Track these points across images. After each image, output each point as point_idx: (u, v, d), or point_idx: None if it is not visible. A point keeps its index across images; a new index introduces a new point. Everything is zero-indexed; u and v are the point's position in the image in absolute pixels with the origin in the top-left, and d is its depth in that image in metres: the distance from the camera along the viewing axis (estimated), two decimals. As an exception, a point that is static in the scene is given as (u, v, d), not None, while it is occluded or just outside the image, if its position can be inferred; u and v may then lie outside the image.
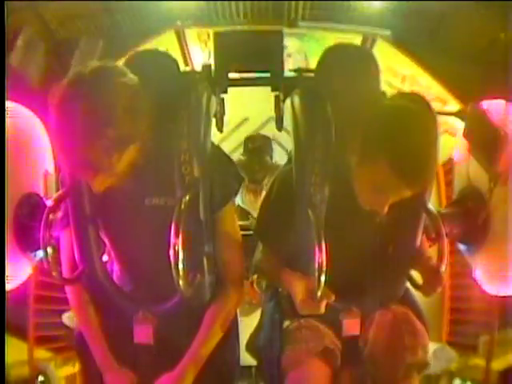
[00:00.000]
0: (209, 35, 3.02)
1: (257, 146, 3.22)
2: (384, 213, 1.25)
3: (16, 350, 2.16)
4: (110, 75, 1.13)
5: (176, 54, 2.98)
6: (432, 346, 2.40)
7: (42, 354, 2.34)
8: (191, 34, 3.08)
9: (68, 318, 2.33)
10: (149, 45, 2.83)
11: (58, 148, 1.14)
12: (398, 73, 2.91)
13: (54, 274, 1.29)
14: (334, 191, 1.31)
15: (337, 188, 1.31)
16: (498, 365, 2.30)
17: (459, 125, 2.57)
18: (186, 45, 2.98)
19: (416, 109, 1.22)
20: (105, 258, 1.37)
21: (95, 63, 1.14)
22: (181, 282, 1.15)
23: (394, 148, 1.17)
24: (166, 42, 2.92)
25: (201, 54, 3.05)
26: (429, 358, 1.38)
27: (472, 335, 2.46)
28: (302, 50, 3.22)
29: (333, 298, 1.21)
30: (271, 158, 3.31)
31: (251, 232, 1.49)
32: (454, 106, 2.66)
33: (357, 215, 1.34)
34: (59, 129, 1.12)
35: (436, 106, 2.69)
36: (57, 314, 2.25)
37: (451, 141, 2.62)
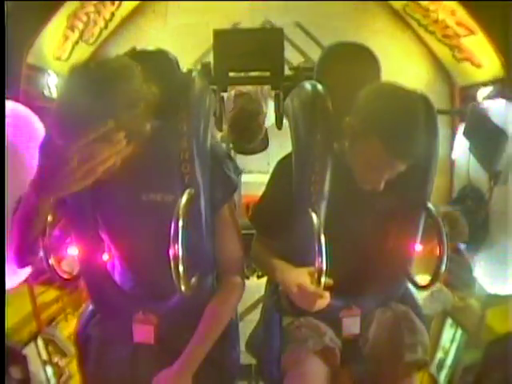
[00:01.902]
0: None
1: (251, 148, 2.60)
2: (380, 189, 1.27)
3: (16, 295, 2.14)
4: (114, 66, 1.12)
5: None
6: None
7: (42, 291, 2.30)
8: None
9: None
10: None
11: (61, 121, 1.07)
12: None
13: (53, 273, 1.29)
14: (334, 184, 1.32)
15: (337, 180, 1.32)
16: (494, 319, 2.26)
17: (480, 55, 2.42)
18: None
19: (403, 88, 1.25)
20: (105, 257, 1.37)
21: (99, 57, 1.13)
22: (181, 282, 1.15)
23: (384, 125, 1.20)
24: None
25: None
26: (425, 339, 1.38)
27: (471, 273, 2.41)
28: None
29: (331, 282, 1.21)
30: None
31: (252, 231, 1.49)
32: (480, 37, 2.39)
33: (356, 211, 1.35)
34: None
35: (460, 32, 2.50)
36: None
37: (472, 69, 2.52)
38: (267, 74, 1.95)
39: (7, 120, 1.52)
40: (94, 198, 1.28)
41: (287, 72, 2.01)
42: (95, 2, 2.59)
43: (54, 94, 2.45)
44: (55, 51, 2.42)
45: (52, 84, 2.42)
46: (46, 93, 2.36)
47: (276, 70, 1.92)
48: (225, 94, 2.13)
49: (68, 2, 2.36)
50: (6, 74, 1.64)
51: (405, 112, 1.21)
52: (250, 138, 2.41)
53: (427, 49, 2.92)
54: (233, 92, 2.49)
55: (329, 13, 2.84)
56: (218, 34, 1.93)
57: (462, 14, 2.43)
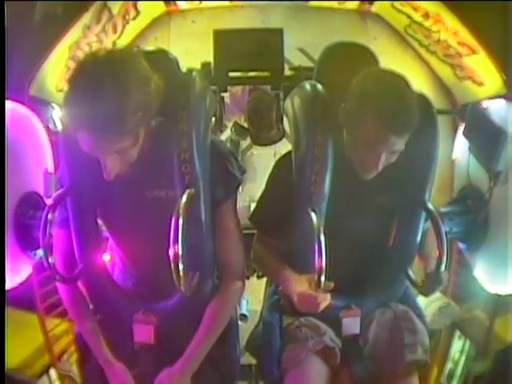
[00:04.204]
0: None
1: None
2: (376, 170, 1.26)
3: (27, 325, 2.14)
4: (120, 50, 1.16)
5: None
6: (437, 303, 2.42)
7: (54, 324, 2.27)
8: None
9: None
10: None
11: (78, 121, 1.09)
12: (420, 7, 2.59)
13: (53, 272, 1.28)
14: (334, 184, 1.32)
15: (337, 180, 1.32)
16: (501, 328, 2.26)
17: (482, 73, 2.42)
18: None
19: (392, 70, 1.26)
20: (106, 257, 1.37)
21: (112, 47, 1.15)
22: (181, 282, 1.15)
23: (375, 101, 1.20)
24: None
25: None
26: (426, 353, 1.38)
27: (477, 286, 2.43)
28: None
29: (332, 285, 1.21)
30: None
31: (253, 231, 1.49)
32: (483, 56, 2.36)
33: (356, 211, 1.35)
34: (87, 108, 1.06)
35: (462, 51, 2.48)
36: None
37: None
38: (267, 73, 1.95)
39: (7, 120, 1.52)
40: (96, 197, 1.28)
41: (287, 72, 2.01)
42: (97, 31, 2.55)
43: (59, 128, 2.37)
44: (58, 83, 2.37)
45: (56, 117, 2.33)
46: (51, 126, 2.30)
47: (276, 70, 1.92)
48: (227, 93, 2.14)
49: (70, 33, 2.34)
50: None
51: (395, 87, 1.21)
52: (269, 127, 2.43)
53: (428, 68, 2.92)
54: (247, 87, 2.52)
55: (329, 33, 2.84)
56: (218, 34, 1.93)
57: (464, 34, 2.41)
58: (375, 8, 2.90)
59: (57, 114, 2.35)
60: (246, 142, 2.97)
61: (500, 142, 1.62)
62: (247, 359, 1.59)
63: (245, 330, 1.62)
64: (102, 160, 1.15)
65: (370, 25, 2.95)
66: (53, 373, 2.20)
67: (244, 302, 1.71)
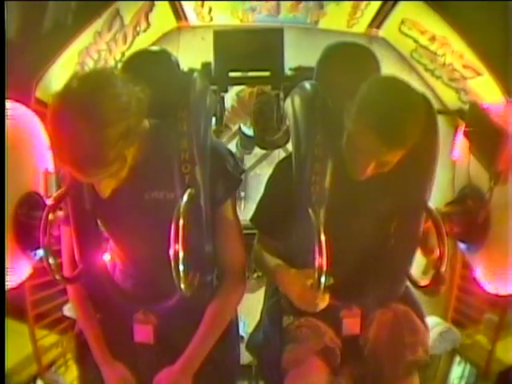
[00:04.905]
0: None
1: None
2: (364, 175, 1.25)
3: (16, 335, 2.14)
4: (94, 77, 1.10)
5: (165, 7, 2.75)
6: (438, 328, 2.42)
7: (43, 334, 2.26)
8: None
9: (69, 310, 2.29)
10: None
11: (60, 159, 1.08)
12: (428, 31, 2.58)
13: (53, 272, 1.28)
14: (334, 184, 1.32)
15: (337, 180, 1.32)
16: (502, 351, 2.27)
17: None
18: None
19: (403, 83, 1.22)
20: (106, 257, 1.37)
21: (85, 71, 1.12)
22: (181, 282, 1.15)
23: (375, 111, 1.17)
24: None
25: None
26: (430, 351, 1.38)
27: (477, 311, 2.41)
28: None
29: (331, 281, 1.21)
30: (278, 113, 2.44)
31: (253, 231, 1.49)
32: (487, 78, 2.33)
33: (357, 211, 1.35)
34: (60, 142, 1.06)
35: (467, 74, 2.46)
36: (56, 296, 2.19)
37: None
38: (267, 73, 1.95)
39: (7, 120, 1.52)
40: (95, 199, 1.28)
41: (287, 72, 2.01)
42: (108, 39, 2.51)
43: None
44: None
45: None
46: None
47: (276, 70, 1.92)
48: (235, 97, 2.14)
49: (81, 38, 2.33)
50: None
51: (398, 102, 1.17)
52: (273, 129, 2.43)
53: (433, 93, 2.88)
54: (255, 90, 2.52)
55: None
56: (218, 34, 1.93)
57: (469, 56, 2.39)
58: (382, 32, 2.91)
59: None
60: (250, 162, 2.97)
61: (500, 142, 1.63)
62: (247, 359, 1.59)
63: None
64: (94, 183, 1.17)
65: (376, 48, 2.95)
66: (39, 383, 2.21)
67: (241, 324, 1.72)
